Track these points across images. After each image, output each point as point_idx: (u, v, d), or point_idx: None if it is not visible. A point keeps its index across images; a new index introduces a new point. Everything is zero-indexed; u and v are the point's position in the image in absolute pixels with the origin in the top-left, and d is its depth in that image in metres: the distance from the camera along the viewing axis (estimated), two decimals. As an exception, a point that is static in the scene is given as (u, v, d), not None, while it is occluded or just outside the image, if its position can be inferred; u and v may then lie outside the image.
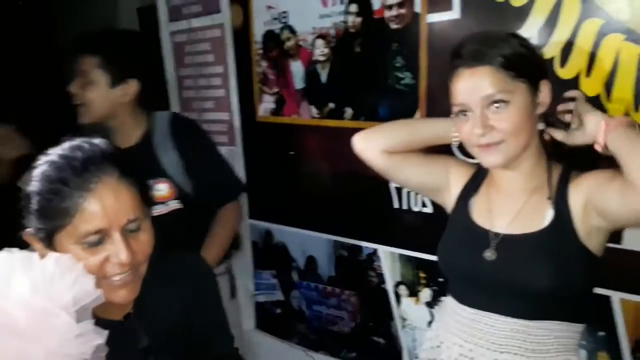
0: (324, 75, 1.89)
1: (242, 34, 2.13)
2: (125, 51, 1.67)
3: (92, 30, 1.78)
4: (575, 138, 1.12)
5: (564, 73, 1.36)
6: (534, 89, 1.12)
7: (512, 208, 1.17)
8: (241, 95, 2.21)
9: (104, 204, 0.92)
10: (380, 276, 1.87)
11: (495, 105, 1.08)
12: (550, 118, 1.18)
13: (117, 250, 0.93)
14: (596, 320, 1.38)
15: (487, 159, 1.13)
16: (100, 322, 0.92)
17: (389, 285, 1.86)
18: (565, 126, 1.15)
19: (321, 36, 1.86)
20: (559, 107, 1.14)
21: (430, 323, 1.76)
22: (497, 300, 1.14)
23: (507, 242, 1.14)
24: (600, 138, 1.05)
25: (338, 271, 2.02)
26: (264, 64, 2.07)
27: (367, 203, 1.84)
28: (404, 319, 1.85)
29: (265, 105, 2.11)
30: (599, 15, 1.29)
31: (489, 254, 1.14)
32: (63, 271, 0.86)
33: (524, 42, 1.14)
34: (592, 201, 1.08)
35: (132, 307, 1.07)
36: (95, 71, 1.63)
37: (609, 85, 1.30)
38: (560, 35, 1.35)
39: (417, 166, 1.32)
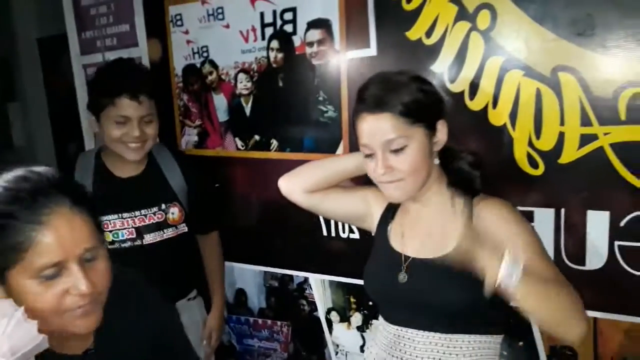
0: (247, 109, 1.91)
1: (160, 67, 2.11)
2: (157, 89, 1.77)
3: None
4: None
5: (473, 105, 1.48)
6: (431, 129, 1.20)
7: (422, 232, 1.26)
8: (162, 129, 2.16)
9: (58, 235, 0.87)
10: (312, 304, 1.90)
11: (394, 149, 1.16)
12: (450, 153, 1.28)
13: (75, 282, 0.89)
14: (515, 331, 1.50)
15: (389, 194, 1.23)
16: (59, 358, 0.90)
17: (321, 313, 1.89)
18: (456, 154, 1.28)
19: (243, 70, 1.89)
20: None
21: (362, 347, 1.81)
22: (415, 318, 1.22)
23: (417, 265, 1.23)
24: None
25: (269, 302, 2.03)
26: (185, 97, 2.06)
27: (296, 232, 1.87)
28: (336, 345, 1.88)
29: (188, 138, 2.10)
30: (500, 53, 1.43)
31: (402, 277, 1.23)
32: (2, 318, 0.80)
33: (423, 86, 1.21)
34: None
35: (93, 342, 1.02)
36: (154, 111, 1.70)
37: (513, 115, 1.43)
38: (468, 71, 1.48)
39: (338, 200, 1.41)
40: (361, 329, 1.81)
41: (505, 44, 1.42)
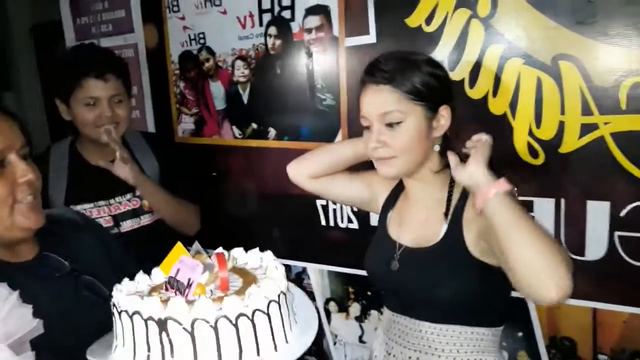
0: (245, 96, 1.89)
1: (157, 54, 2.08)
2: (126, 69, 1.74)
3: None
4: (457, 174, 1.12)
5: (473, 93, 1.47)
6: (432, 112, 1.16)
7: (416, 221, 1.25)
8: (158, 117, 2.15)
9: None
10: (310, 294, 1.89)
11: (389, 122, 1.15)
12: (451, 145, 1.23)
13: (21, 171, 0.99)
14: (514, 322, 1.49)
15: (381, 170, 1.21)
16: (13, 266, 0.99)
17: (319, 303, 1.89)
18: (460, 158, 1.16)
19: (241, 57, 1.86)
20: (467, 143, 1.14)
21: (360, 337, 1.81)
22: (408, 305, 1.22)
23: (408, 254, 1.22)
24: (479, 201, 1.04)
25: (266, 291, 2.02)
26: (182, 84, 2.04)
27: (295, 221, 1.86)
28: (335, 335, 1.88)
29: (184, 126, 2.08)
30: (501, 41, 1.41)
31: (394, 265, 1.22)
32: None
33: (435, 69, 1.18)
34: (483, 237, 1.11)
35: (39, 248, 1.09)
36: (124, 91, 1.67)
37: (513, 104, 1.42)
38: (468, 59, 1.46)
39: (343, 185, 1.41)
40: (359, 319, 1.81)
41: (506, 32, 1.41)
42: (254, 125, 1.90)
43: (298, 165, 1.44)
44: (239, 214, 2.00)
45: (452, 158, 1.13)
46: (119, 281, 1.00)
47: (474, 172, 1.07)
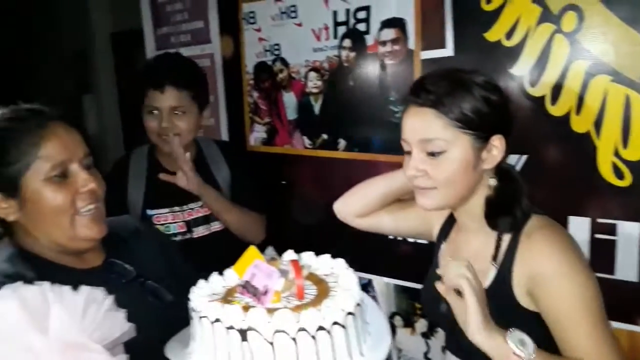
0: (317, 107, 1.92)
1: (232, 64, 2.15)
2: (203, 81, 1.80)
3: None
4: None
5: (555, 111, 1.42)
6: (482, 142, 1.04)
7: (467, 257, 1.09)
8: (231, 125, 2.22)
9: (60, 139, 1.01)
10: (375, 306, 1.88)
11: (431, 151, 1.04)
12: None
13: (82, 181, 1.02)
14: None
15: (420, 200, 1.10)
16: (81, 272, 1.02)
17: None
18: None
19: (314, 69, 1.89)
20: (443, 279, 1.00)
21: (426, 354, 1.77)
22: (458, 347, 1.14)
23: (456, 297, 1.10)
24: None
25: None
26: (255, 94, 2.09)
27: (361, 233, 1.85)
28: (399, 350, 1.86)
29: (257, 135, 2.13)
30: (586, 57, 1.36)
31: (442, 307, 1.09)
32: (94, 304, 0.84)
33: (491, 94, 1.04)
34: (534, 295, 1.03)
35: (106, 255, 1.12)
36: (189, 103, 1.69)
37: (598, 123, 1.36)
38: (551, 75, 1.42)
39: (396, 221, 1.32)
40: (426, 335, 1.78)
41: (592, 47, 1.35)
42: (325, 136, 1.92)
43: (344, 205, 1.37)
44: (305, 223, 2.02)
45: (451, 299, 0.98)
46: (179, 287, 1.02)
47: (474, 337, 0.94)
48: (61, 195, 1.00)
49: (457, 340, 1.13)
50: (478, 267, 1.06)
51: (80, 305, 0.83)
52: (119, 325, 0.86)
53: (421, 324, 1.78)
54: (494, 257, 1.07)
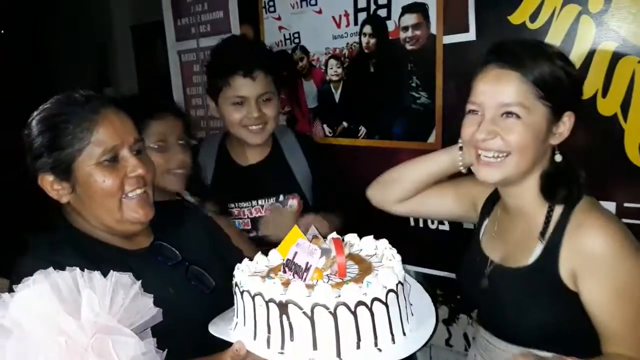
0: (337, 95, 1.91)
1: (252, 53, 2.14)
2: (277, 64, 1.71)
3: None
4: None
5: (581, 93, 1.39)
6: (555, 117, 1.04)
7: (511, 237, 1.14)
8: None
9: (112, 125, 1.04)
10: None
11: (507, 111, 1.02)
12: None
13: (132, 166, 1.05)
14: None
15: (482, 172, 1.08)
16: (130, 253, 1.06)
17: (406, 303, 1.86)
18: None
19: (334, 57, 1.88)
20: None
21: (447, 341, 1.77)
22: (495, 325, 1.15)
23: (498, 273, 1.12)
24: None
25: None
26: (275, 83, 2.09)
27: (383, 221, 1.84)
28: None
29: (276, 124, 2.12)
30: (613, 38, 1.33)
31: (483, 282, 1.12)
32: (122, 289, 0.86)
33: (569, 67, 1.05)
34: (578, 274, 1.02)
35: (154, 237, 1.16)
36: (274, 88, 1.61)
37: (625, 105, 1.34)
38: (576, 56, 1.39)
39: (435, 203, 1.30)
40: (447, 322, 1.77)
41: (620, 28, 1.33)
42: (345, 124, 1.91)
43: (382, 190, 1.33)
44: (325, 211, 2.01)
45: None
46: (223, 272, 1.03)
47: None
48: (110, 179, 1.03)
49: (493, 315, 1.15)
50: (522, 247, 1.09)
51: (109, 290, 0.85)
52: (147, 310, 0.87)
53: (443, 311, 1.77)
54: (542, 233, 1.06)
